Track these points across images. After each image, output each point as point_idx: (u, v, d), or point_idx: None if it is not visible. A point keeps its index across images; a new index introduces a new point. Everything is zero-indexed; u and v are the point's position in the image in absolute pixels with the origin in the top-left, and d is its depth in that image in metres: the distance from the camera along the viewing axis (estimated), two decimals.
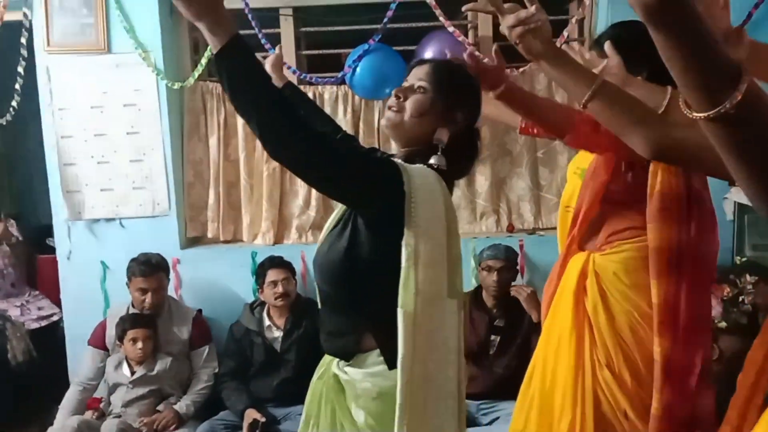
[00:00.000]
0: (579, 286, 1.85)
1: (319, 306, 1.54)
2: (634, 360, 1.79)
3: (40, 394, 3.27)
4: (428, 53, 3.10)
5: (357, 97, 3.28)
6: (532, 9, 1.31)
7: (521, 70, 3.17)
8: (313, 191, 3.30)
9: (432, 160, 1.42)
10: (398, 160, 1.41)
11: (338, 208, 1.52)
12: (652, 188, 1.75)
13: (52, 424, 2.89)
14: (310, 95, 3.29)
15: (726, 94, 0.68)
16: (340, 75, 3.18)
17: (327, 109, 3.29)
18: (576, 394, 1.82)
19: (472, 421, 2.85)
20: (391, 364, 1.35)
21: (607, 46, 1.58)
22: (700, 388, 1.80)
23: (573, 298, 1.85)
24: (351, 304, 1.42)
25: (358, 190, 1.35)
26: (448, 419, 1.40)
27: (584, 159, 2.00)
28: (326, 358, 1.52)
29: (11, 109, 3.17)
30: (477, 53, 1.62)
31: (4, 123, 3.21)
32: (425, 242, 1.33)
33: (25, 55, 3.17)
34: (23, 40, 3.15)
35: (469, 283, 3.20)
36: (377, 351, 1.40)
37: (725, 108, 0.69)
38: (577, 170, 2.01)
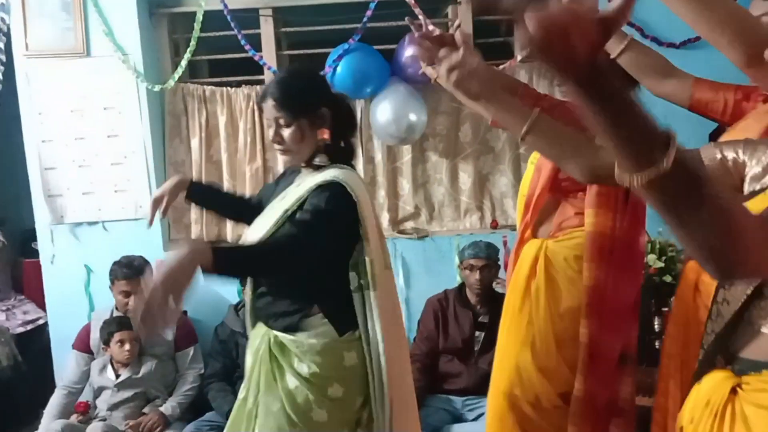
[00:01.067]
0: (531, 270, 1.94)
1: (256, 291, 1.80)
2: (561, 342, 1.87)
3: (26, 398, 3.26)
4: (409, 51, 3.10)
5: None
6: (460, 52, 1.28)
7: (501, 67, 3.18)
8: None
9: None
10: (340, 180, 1.65)
11: (282, 209, 1.69)
12: None
13: (38, 428, 2.89)
14: None
15: (653, 162, 0.70)
16: (321, 74, 3.18)
17: None
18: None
19: (458, 417, 2.87)
20: (340, 331, 1.69)
21: None
22: (622, 375, 1.87)
23: (525, 283, 1.94)
24: (307, 288, 1.71)
25: (340, 239, 1.67)
26: (406, 363, 1.84)
27: None
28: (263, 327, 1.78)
29: None
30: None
31: None
32: (371, 234, 1.68)
33: (4, 60, 3.16)
34: (1, 45, 3.14)
35: (453, 280, 3.21)
36: (320, 314, 1.69)
37: (651, 175, 0.70)
38: (534, 159, 2.07)
